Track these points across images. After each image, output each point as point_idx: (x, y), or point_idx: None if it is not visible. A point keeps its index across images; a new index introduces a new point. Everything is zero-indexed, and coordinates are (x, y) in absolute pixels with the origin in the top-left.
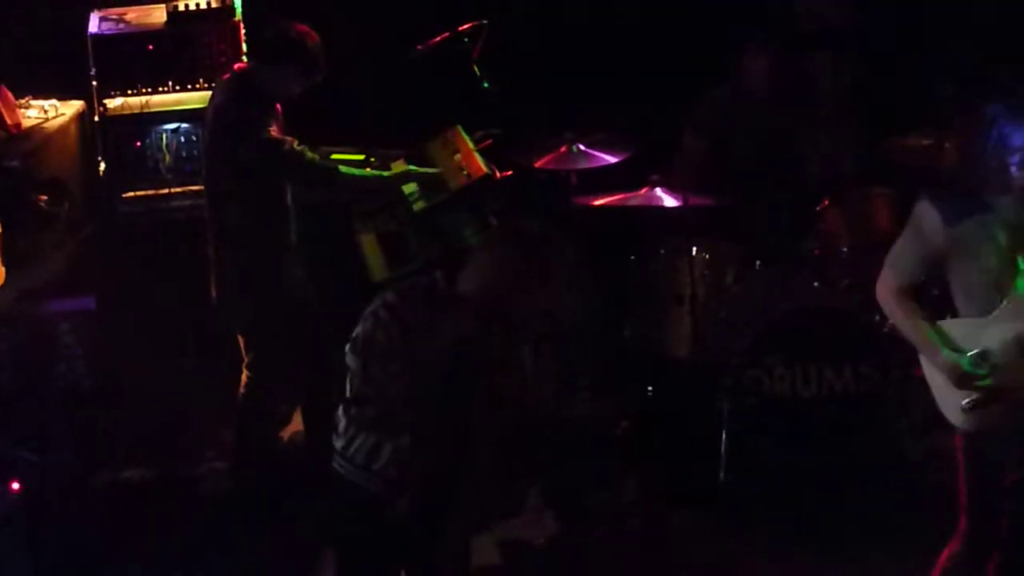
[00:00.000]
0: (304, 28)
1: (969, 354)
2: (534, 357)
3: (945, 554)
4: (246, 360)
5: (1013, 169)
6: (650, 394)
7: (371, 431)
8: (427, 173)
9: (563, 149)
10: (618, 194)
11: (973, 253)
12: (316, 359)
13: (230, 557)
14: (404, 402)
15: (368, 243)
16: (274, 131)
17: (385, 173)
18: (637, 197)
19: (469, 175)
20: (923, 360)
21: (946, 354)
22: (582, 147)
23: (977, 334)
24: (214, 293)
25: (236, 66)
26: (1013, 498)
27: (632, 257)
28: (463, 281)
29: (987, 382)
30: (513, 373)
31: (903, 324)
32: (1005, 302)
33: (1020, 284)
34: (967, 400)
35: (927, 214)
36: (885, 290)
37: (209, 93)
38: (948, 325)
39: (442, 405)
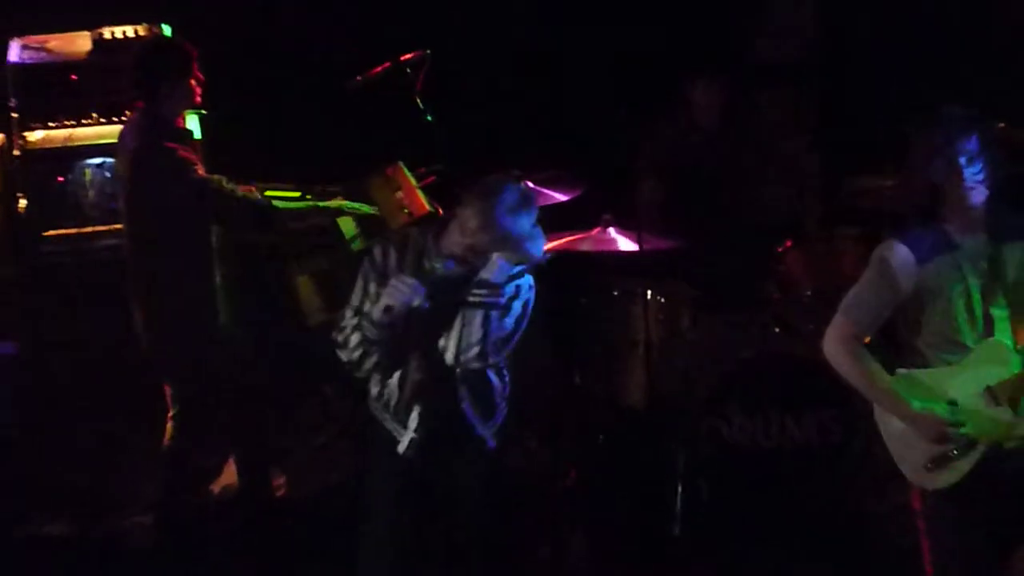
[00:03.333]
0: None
1: (944, 405)
2: None
3: None
4: (172, 411)
5: (968, 196)
6: (601, 444)
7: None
8: (365, 209)
9: None
10: (568, 235)
11: (942, 297)
12: (249, 407)
13: None
14: None
15: (303, 285)
16: (200, 170)
17: (322, 203)
18: (589, 239)
19: (411, 213)
20: (878, 415)
21: (917, 406)
22: (530, 184)
23: (940, 385)
24: (144, 343)
25: (139, 104)
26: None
27: (583, 300)
28: None
29: (967, 429)
30: None
31: (858, 375)
32: (974, 350)
33: (997, 333)
34: (929, 457)
35: (897, 255)
36: (838, 338)
37: None
38: (908, 376)
39: None
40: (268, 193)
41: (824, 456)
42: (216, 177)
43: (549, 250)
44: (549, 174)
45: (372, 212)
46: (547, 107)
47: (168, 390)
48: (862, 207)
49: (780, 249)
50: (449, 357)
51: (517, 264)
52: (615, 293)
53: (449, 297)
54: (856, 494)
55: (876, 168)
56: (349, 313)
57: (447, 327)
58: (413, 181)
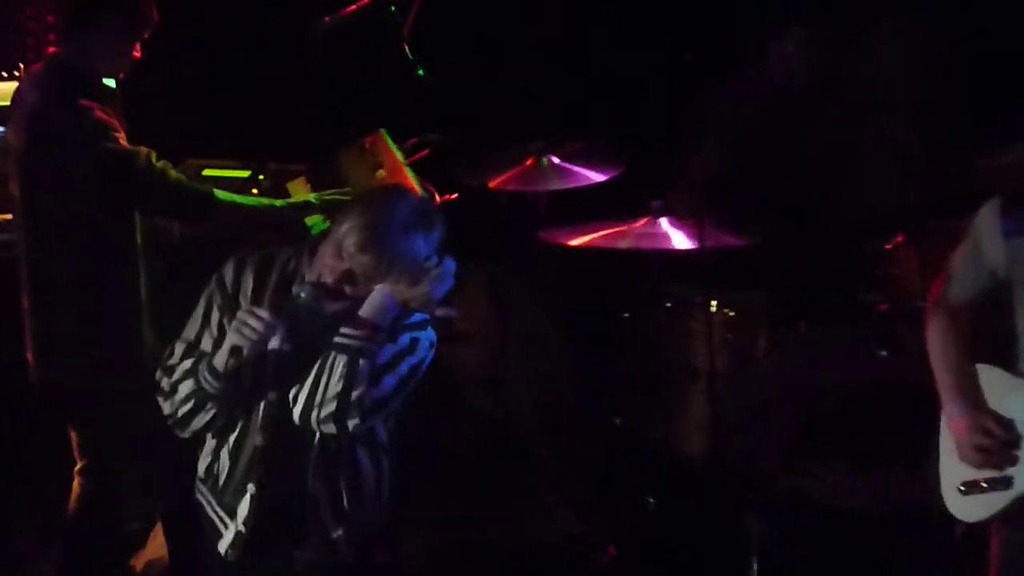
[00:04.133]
0: None
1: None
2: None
3: None
4: (79, 464)
5: None
6: (650, 508)
7: None
8: (338, 198)
9: (529, 163)
10: (606, 227)
11: None
12: (182, 459)
13: None
14: None
15: None
16: (122, 139)
17: (280, 202)
18: (632, 233)
19: None
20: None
21: (950, 407)
22: (556, 160)
23: (1003, 397)
24: (34, 370)
25: (50, 50)
26: None
27: (625, 315)
28: None
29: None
30: None
31: (932, 351)
32: None
33: None
34: (962, 479)
35: (986, 219)
36: (934, 303)
37: None
38: (984, 372)
39: None
40: (208, 173)
41: (945, 523)
42: (143, 150)
43: (582, 246)
44: (580, 146)
45: (345, 199)
46: (579, 58)
47: (74, 435)
48: (998, 191)
49: (888, 245)
50: (296, 412)
51: (406, 304)
52: (668, 305)
53: (314, 337)
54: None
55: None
56: (180, 348)
57: (305, 374)
58: (400, 156)
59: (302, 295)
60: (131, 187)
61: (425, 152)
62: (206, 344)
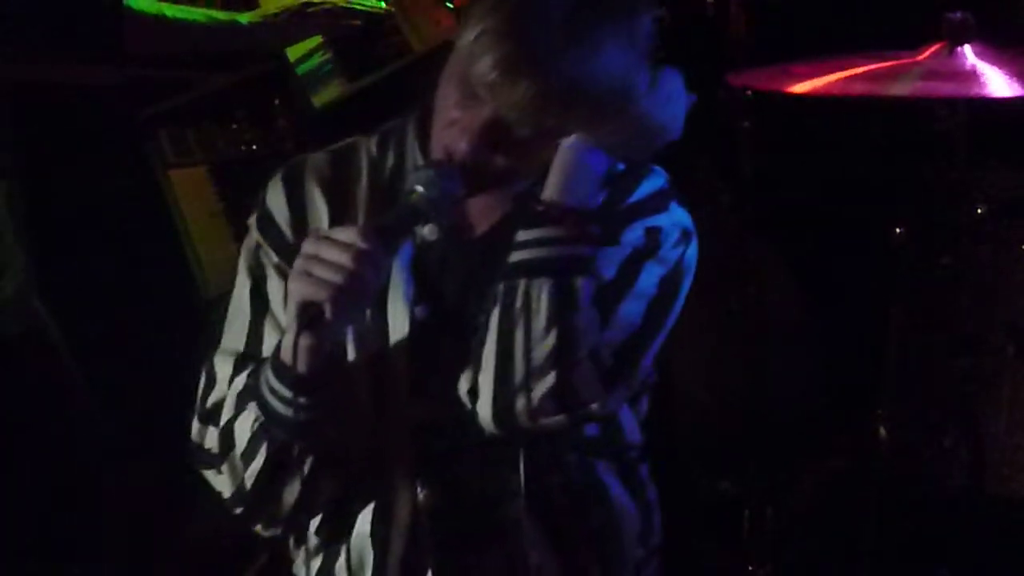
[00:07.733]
0: None
1: None
2: None
3: None
4: None
5: None
6: None
7: None
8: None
9: None
10: (858, 63)
11: None
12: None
13: None
14: None
15: (187, 190)
16: None
17: (246, 15)
18: (914, 72)
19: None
20: None
21: None
22: None
23: None
24: None
25: None
26: None
27: (898, 230)
28: None
29: None
30: None
31: None
32: None
33: None
34: None
35: None
36: None
37: None
38: None
39: None
40: None
41: None
42: None
43: (814, 95)
44: None
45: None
46: None
47: None
48: None
49: None
50: (485, 411)
51: (624, 158)
52: (979, 211)
53: (468, 265)
54: None
55: None
56: (223, 366)
57: (472, 346)
58: None
59: (419, 188)
60: None
61: None
62: (269, 343)
